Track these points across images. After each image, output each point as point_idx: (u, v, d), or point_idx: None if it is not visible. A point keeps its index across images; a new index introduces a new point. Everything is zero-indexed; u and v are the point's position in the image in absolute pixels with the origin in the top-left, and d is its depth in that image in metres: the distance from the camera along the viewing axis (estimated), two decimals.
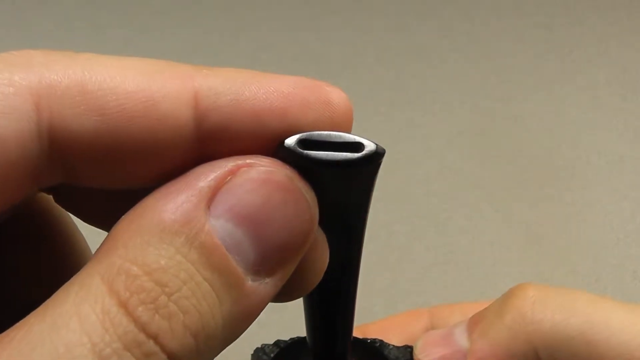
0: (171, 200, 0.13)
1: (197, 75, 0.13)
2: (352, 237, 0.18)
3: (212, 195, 0.13)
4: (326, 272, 0.16)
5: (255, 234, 0.13)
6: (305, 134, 0.14)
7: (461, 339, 0.22)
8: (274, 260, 0.13)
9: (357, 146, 0.14)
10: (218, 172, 0.13)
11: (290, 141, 0.14)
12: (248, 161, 0.13)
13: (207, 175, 0.13)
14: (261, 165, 0.13)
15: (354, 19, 0.59)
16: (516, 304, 0.21)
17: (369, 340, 0.27)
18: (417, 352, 0.23)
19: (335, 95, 0.15)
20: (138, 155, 0.13)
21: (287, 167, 0.14)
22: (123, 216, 0.13)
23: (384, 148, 0.14)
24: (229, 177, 0.13)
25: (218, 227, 0.13)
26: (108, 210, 0.15)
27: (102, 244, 0.13)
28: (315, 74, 0.54)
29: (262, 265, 0.13)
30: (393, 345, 0.27)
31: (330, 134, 0.14)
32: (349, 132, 0.15)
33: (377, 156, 0.14)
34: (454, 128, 0.49)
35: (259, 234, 0.13)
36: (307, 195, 0.14)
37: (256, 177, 0.13)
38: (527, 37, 0.57)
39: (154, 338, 0.12)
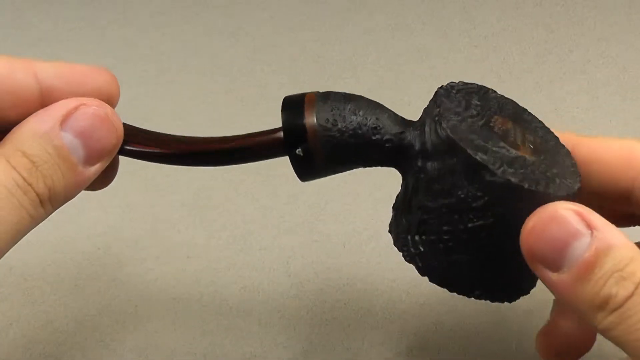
0: (40, 120, 0.25)
1: (36, 63, 0.25)
2: None
3: (64, 119, 0.25)
4: None
5: (84, 142, 0.25)
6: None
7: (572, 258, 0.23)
8: (94, 157, 0.25)
9: None
10: (67, 107, 0.25)
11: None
12: (84, 102, 0.25)
13: (61, 108, 0.25)
14: (91, 105, 0.25)
15: (354, 19, 0.59)
16: None
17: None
18: (527, 227, 0.24)
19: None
20: (6, 105, 0.25)
21: (107, 106, 0.26)
22: (14, 129, 0.25)
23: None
24: (73, 110, 0.25)
25: (65, 137, 0.25)
26: None
27: (2, 142, 0.24)
28: (316, 74, 0.54)
29: (87, 159, 0.25)
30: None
31: None
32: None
33: None
34: None
35: (86, 142, 0.25)
36: (115, 124, 0.26)
37: (88, 111, 0.25)
38: (527, 37, 0.57)
39: (30, 185, 0.24)
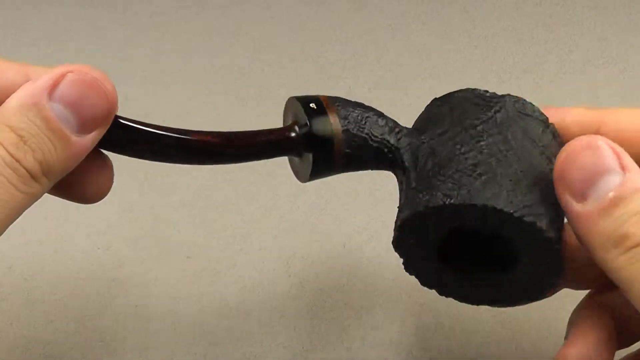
0: (26, 92, 0.24)
1: (30, 66, 0.25)
2: None
3: (51, 89, 0.24)
4: None
5: (74, 110, 0.24)
6: None
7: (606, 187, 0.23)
8: (88, 125, 0.24)
9: None
10: (53, 76, 0.24)
11: None
12: (71, 69, 0.24)
13: (47, 78, 0.24)
14: (78, 71, 0.24)
15: (354, 19, 0.59)
16: None
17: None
18: (562, 154, 0.24)
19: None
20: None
21: (96, 71, 0.24)
22: (2, 105, 0.24)
23: None
24: (60, 78, 0.24)
25: (54, 107, 0.24)
26: None
27: None
28: (316, 74, 0.54)
29: (80, 128, 0.24)
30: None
31: None
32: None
33: None
34: None
35: (77, 110, 0.24)
36: (106, 90, 0.24)
37: (75, 78, 0.24)
38: (527, 37, 0.57)
39: (18, 160, 0.23)
